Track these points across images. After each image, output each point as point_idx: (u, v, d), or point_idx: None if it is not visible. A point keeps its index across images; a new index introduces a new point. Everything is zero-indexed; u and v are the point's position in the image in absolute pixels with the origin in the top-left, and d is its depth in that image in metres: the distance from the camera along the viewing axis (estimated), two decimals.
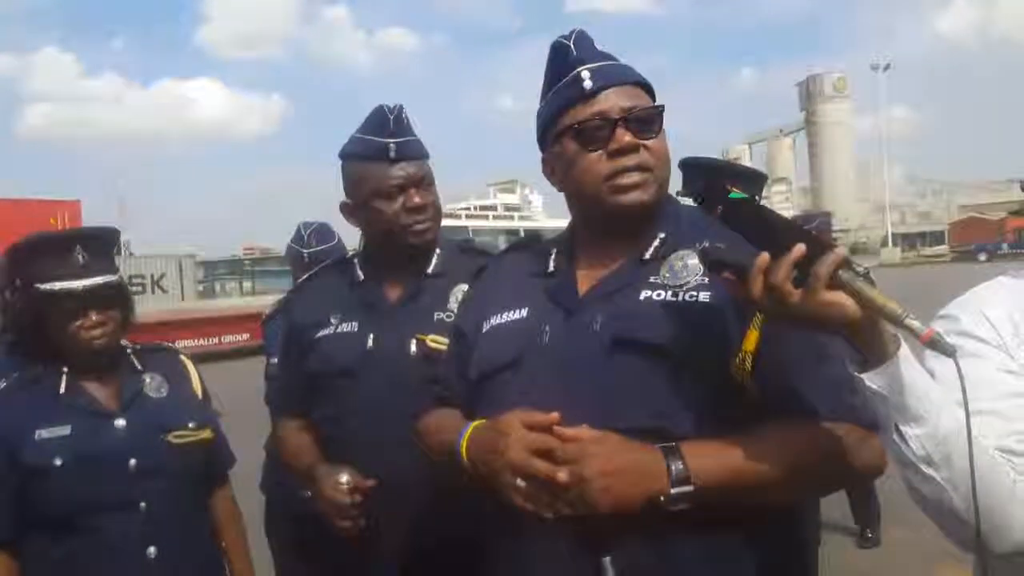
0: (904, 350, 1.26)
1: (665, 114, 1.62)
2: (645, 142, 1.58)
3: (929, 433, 1.27)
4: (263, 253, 54.08)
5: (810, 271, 1.24)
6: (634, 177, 1.58)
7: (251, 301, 24.83)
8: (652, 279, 1.55)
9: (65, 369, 2.35)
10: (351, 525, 2.16)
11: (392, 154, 2.27)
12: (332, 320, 2.35)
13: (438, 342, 2.17)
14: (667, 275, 1.55)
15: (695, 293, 1.51)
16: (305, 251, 4.05)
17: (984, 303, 1.52)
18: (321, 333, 2.35)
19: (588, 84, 1.60)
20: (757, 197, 3.06)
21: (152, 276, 26.71)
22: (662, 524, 1.41)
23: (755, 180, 3.18)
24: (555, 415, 1.46)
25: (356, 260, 2.45)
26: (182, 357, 2.62)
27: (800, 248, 1.25)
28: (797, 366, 1.45)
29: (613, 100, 1.59)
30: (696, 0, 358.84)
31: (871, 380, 1.28)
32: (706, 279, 1.50)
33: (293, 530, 3.23)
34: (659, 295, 1.53)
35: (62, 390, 2.33)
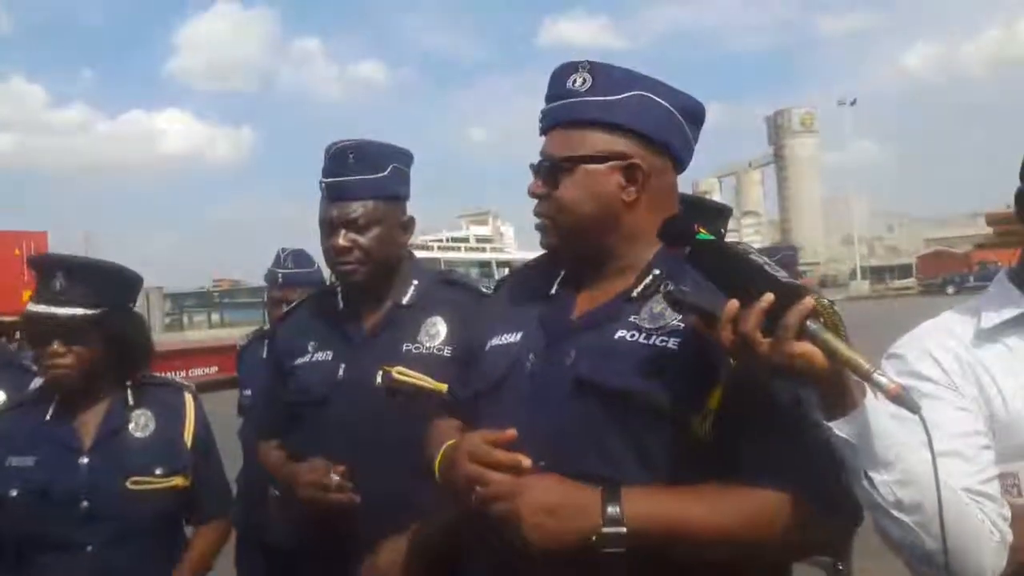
0: (870, 397, 1.27)
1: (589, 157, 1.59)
2: (552, 191, 1.61)
3: (897, 479, 1.28)
4: (232, 285, 53.80)
5: (779, 321, 1.24)
6: (536, 223, 1.66)
7: (220, 333, 24.67)
8: (632, 318, 1.53)
9: (57, 396, 2.34)
10: (340, 498, 2.14)
11: (325, 193, 2.30)
12: (309, 348, 2.36)
13: (404, 374, 2.19)
14: (645, 316, 1.52)
15: (666, 339, 1.48)
16: (280, 271, 4.07)
17: (927, 340, 1.55)
18: (298, 361, 2.36)
19: (539, 126, 1.67)
20: (723, 231, 3.06)
21: None
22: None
23: (719, 214, 3.19)
24: (511, 432, 1.48)
25: (339, 289, 2.44)
26: (186, 395, 2.54)
27: (769, 298, 1.25)
28: (772, 434, 1.41)
29: (546, 145, 1.64)
30: (667, 35, 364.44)
31: (838, 428, 1.28)
32: (682, 324, 1.47)
33: (263, 563, 3.21)
34: (632, 336, 1.51)
35: (48, 416, 2.32)
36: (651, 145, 1.59)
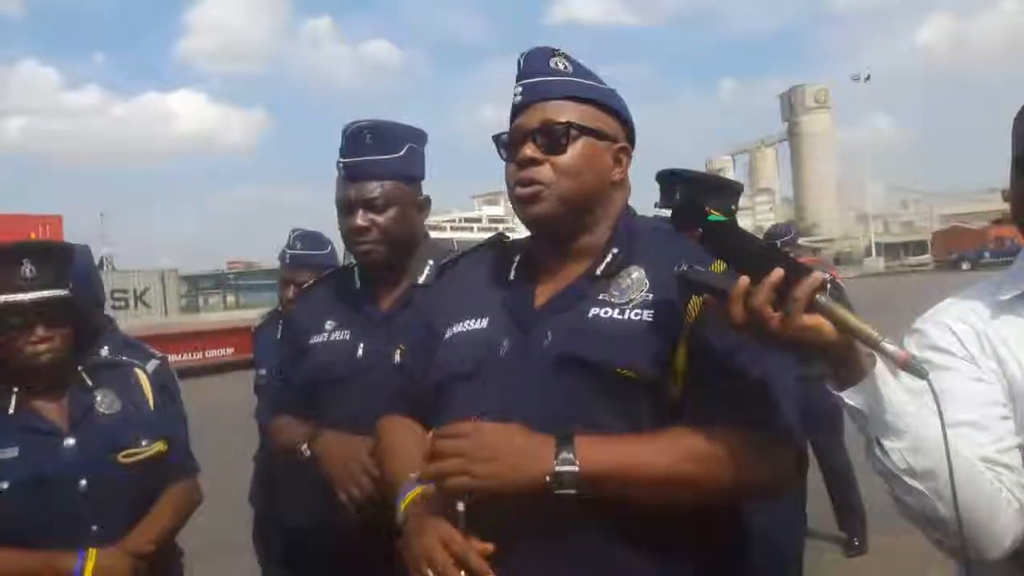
0: (880, 366, 1.30)
1: (591, 126, 1.65)
2: (551, 157, 1.64)
3: (909, 446, 1.30)
4: (247, 267, 53.90)
5: (789, 295, 1.27)
6: (526, 190, 1.65)
7: (235, 315, 24.73)
8: (601, 296, 1.60)
9: (15, 389, 2.29)
10: (359, 495, 2.12)
11: (343, 173, 2.32)
12: (327, 327, 2.38)
13: None
14: (615, 292, 1.59)
15: (639, 311, 1.56)
16: (288, 252, 4.07)
17: (949, 316, 1.56)
18: (315, 340, 2.39)
19: (518, 99, 1.70)
20: (733, 208, 3.06)
21: (135, 291, 26.54)
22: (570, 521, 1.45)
23: (730, 191, 3.19)
24: (491, 546, 1.47)
25: (356, 269, 2.46)
26: (136, 370, 2.56)
27: (779, 272, 1.28)
28: (717, 376, 1.49)
29: (532, 115, 1.66)
30: (679, 12, 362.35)
31: (849, 397, 1.31)
32: (650, 295, 1.56)
33: (282, 543, 3.22)
34: (606, 312, 1.58)
35: (11, 410, 2.28)
36: (628, 133, 1.75)
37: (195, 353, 19.40)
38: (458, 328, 1.74)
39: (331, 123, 2.36)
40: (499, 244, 1.88)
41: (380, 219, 2.29)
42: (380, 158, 2.30)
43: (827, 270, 7.45)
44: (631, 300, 1.57)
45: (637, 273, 1.60)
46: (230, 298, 38.22)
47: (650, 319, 1.54)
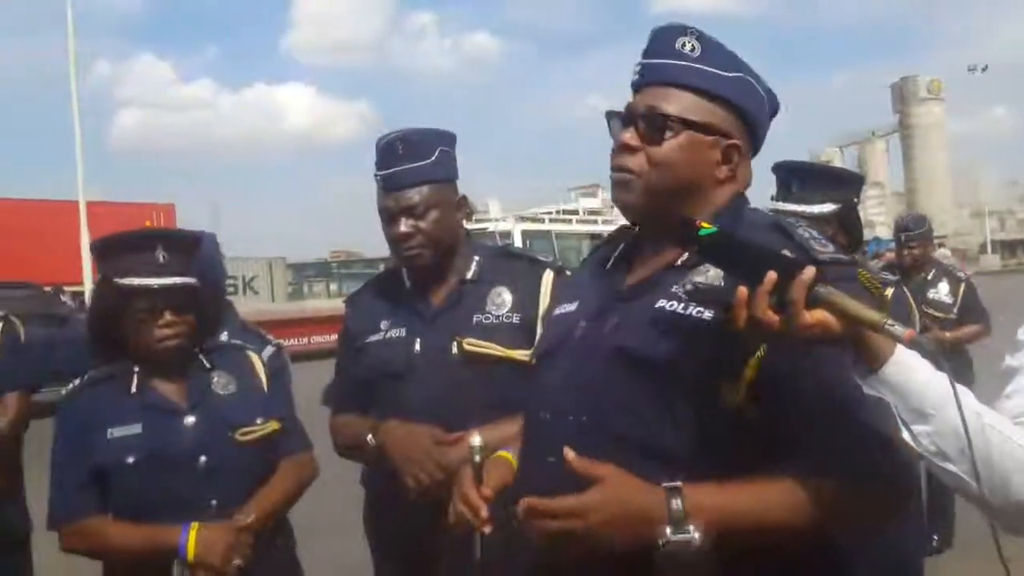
0: (899, 351, 1.27)
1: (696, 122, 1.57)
2: (649, 147, 1.58)
3: (937, 430, 1.28)
4: (350, 256, 55.02)
5: (785, 297, 1.26)
6: (616, 175, 1.62)
7: (338, 303, 25.28)
8: (674, 288, 1.54)
9: (136, 368, 2.38)
10: (425, 479, 2.25)
11: (382, 184, 2.44)
12: (382, 326, 2.50)
13: (474, 345, 2.34)
14: (688, 286, 1.53)
15: (703, 309, 1.49)
16: None
17: None
18: (372, 339, 2.51)
19: (635, 78, 1.65)
20: (856, 200, 2.99)
21: (244, 278, 27.48)
22: None
23: (851, 183, 3.11)
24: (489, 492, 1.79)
25: (404, 271, 2.56)
26: (248, 353, 2.64)
27: (771, 277, 1.27)
28: (816, 417, 1.42)
29: (643, 98, 1.61)
30: (786, 1, 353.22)
31: (869, 387, 1.30)
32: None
33: (394, 523, 3.27)
34: (671, 306, 1.52)
35: (133, 389, 2.36)
36: (747, 128, 1.63)
37: (301, 339, 19.93)
38: (557, 311, 1.79)
39: (432, 114, 2.48)
40: (620, 235, 1.83)
41: (422, 224, 2.40)
42: (414, 166, 2.41)
43: (960, 268, 7.21)
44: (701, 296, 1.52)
45: (712, 272, 1.50)
46: (333, 286, 39.19)
47: (710, 319, 1.47)
